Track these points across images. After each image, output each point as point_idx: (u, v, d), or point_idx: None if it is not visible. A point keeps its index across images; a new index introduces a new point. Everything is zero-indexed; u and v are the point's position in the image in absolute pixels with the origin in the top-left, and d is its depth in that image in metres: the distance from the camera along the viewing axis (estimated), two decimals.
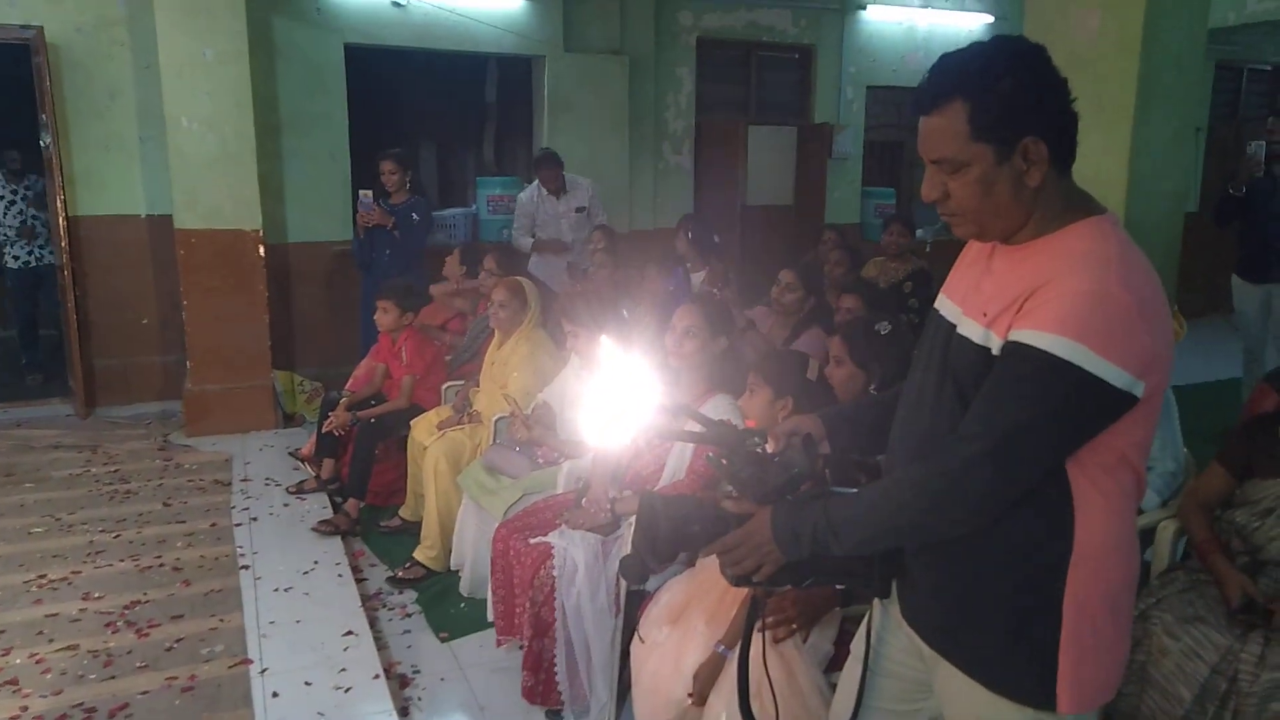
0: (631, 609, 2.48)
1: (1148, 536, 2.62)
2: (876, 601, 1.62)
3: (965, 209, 1.32)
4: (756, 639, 2.03)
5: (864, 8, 7.31)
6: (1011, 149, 1.26)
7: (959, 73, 1.27)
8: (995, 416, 1.24)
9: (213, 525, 3.80)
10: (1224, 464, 2.49)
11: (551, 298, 4.30)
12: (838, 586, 2.00)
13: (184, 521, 3.84)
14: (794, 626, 2.03)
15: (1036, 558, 1.30)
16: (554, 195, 5.48)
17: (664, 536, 1.49)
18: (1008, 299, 1.28)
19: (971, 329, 1.34)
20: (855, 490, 1.43)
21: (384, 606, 3.28)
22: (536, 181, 5.51)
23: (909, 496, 1.31)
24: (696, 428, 1.60)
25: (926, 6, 7.54)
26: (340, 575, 3.37)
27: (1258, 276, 4.60)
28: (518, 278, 3.71)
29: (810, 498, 1.47)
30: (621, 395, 1.48)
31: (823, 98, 7.47)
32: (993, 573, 1.33)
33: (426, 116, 8.56)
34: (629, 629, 2.41)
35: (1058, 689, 1.30)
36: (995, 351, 1.27)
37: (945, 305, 1.45)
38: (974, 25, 7.68)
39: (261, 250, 4.98)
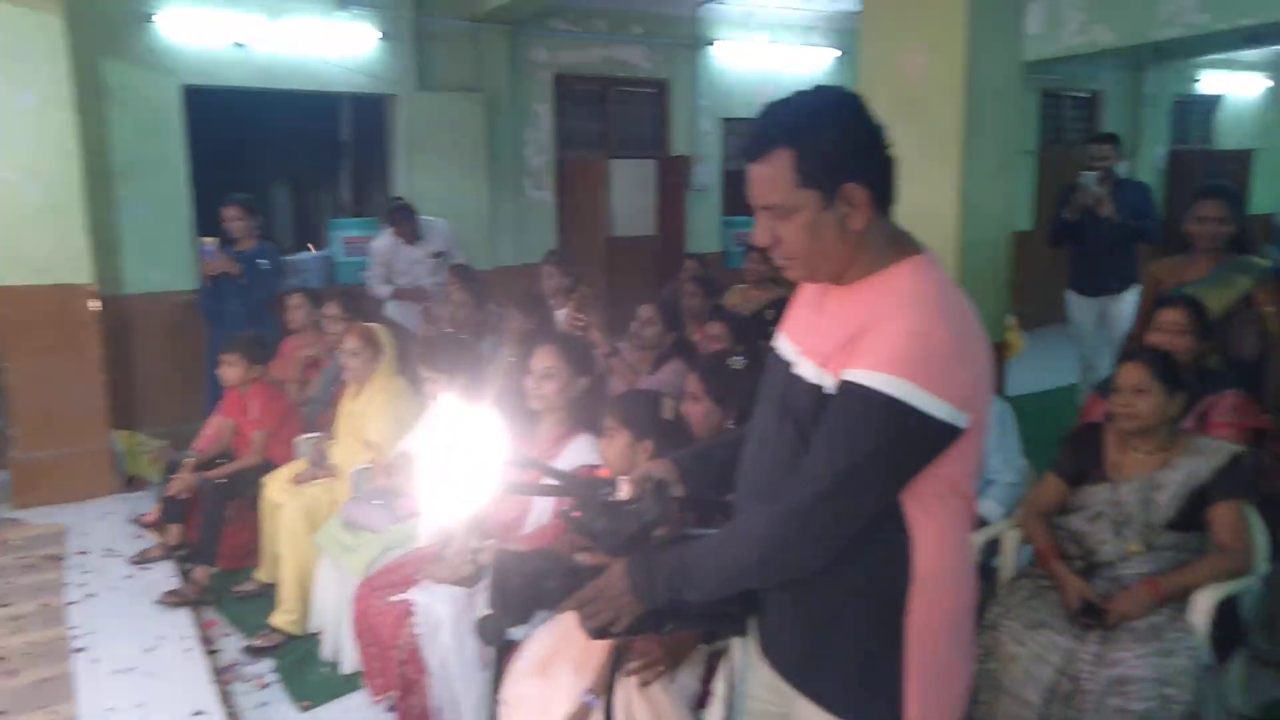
0: (502, 660, 2.42)
1: (994, 547, 2.74)
2: (737, 640, 1.63)
3: (795, 253, 1.36)
4: (623, 684, 2.02)
5: (711, 44, 7.52)
6: (835, 195, 1.30)
7: (785, 122, 1.32)
8: (833, 455, 1.27)
9: (43, 606, 3.49)
10: (1057, 473, 2.63)
11: (410, 343, 4.19)
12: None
13: (9, 605, 3.51)
14: (660, 669, 2.01)
15: (879, 588, 1.34)
16: (409, 243, 5.38)
17: (517, 595, 1.46)
18: (839, 339, 1.32)
19: (806, 368, 1.37)
20: (708, 534, 1.43)
21: (239, 679, 3.09)
22: (391, 230, 5.40)
23: (755, 539, 1.33)
24: (549, 480, 1.58)
25: (775, 42, 7.82)
26: (188, 650, 3.15)
27: (1091, 291, 4.91)
28: (370, 324, 3.59)
29: (664, 545, 1.46)
30: (462, 457, 1.44)
31: (679, 131, 7.63)
32: (839, 605, 1.36)
33: (279, 157, 8.28)
34: (500, 681, 2.35)
35: (905, 714, 1.33)
36: (829, 390, 1.30)
37: (783, 344, 1.48)
38: (823, 61, 8.01)
39: (94, 305, 4.67)
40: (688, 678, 2.05)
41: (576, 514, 1.52)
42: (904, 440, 1.25)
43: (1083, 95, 9.81)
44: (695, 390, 2.36)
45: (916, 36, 3.05)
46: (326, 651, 3.14)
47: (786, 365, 1.43)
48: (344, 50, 5.87)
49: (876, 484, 1.27)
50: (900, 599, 1.32)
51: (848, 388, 1.27)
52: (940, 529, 1.32)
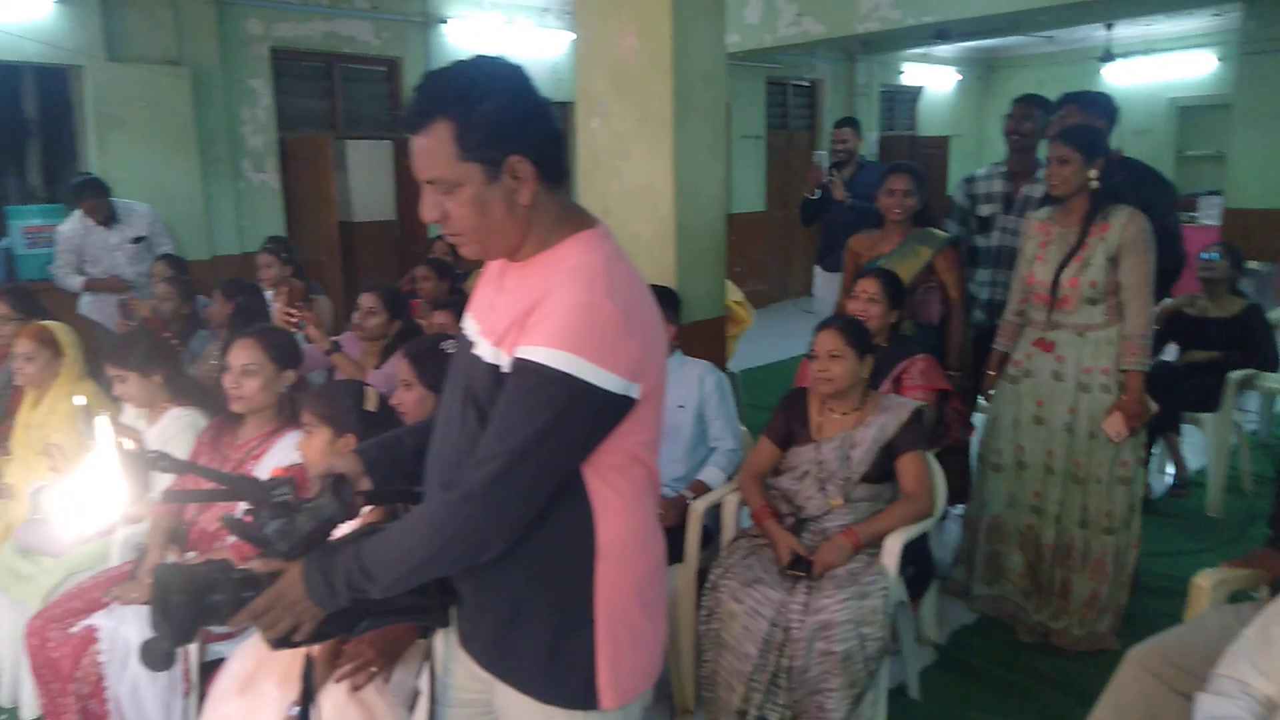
0: (205, 682, 2.22)
1: (717, 511, 2.86)
2: (440, 632, 1.57)
3: (464, 229, 1.32)
4: (335, 690, 1.91)
5: (445, 22, 7.32)
6: (499, 168, 1.27)
7: (443, 94, 1.26)
8: (507, 435, 1.24)
9: None
10: (770, 436, 2.79)
11: (109, 342, 3.75)
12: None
13: None
14: (373, 670, 1.92)
15: (564, 564, 1.33)
16: (103, 226, 4.81)
17: (179, 612, 1.32)
18: (513, 316, 1.30)
19: (484, 347, 1.34)
20: (387, 528, 1.37)
21: None
22: (80, 212, 4.80)
23: (433, 527, 1.28)
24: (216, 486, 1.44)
25: (510, 23, 7.74)
26: None
27: (832, 266, 5.21)
28: (46, 323, 3.17)
29: (342, 542, 1.38)
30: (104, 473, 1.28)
31: None
32: (527, 585, 1.34)
33: None
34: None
35: (599, 687, 1.34)
36: (505, 369, 1.28)
37: (468, 324, 1.43)
38: (558, 42, 8.03)
39: None
40: (405, 675, 1.97)
41: (248, 518, 1.40)
42: (576, 414, 1.24)
43: (804, 84, 10.51)
44: (407, 376, 2.26)
45: (625, 18, 3.09)
46: (3, 696, 2.76)
47: (469, 346, 1.39)
48: (19, 15, 5.15)
49: (552, 460, 1.26)
50: (586, 572, 1.32)
51: (518, 364, 1.25)
52: (622, 498, 1.33)
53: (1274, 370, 4.21)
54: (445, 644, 1.54)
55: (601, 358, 1.23)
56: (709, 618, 2.48)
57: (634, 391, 1.27)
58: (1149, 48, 10.76)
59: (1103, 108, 3.36)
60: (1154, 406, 2.97)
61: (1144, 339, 2.90)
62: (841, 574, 2.44)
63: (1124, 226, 2.88)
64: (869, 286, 3.11)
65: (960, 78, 12.30)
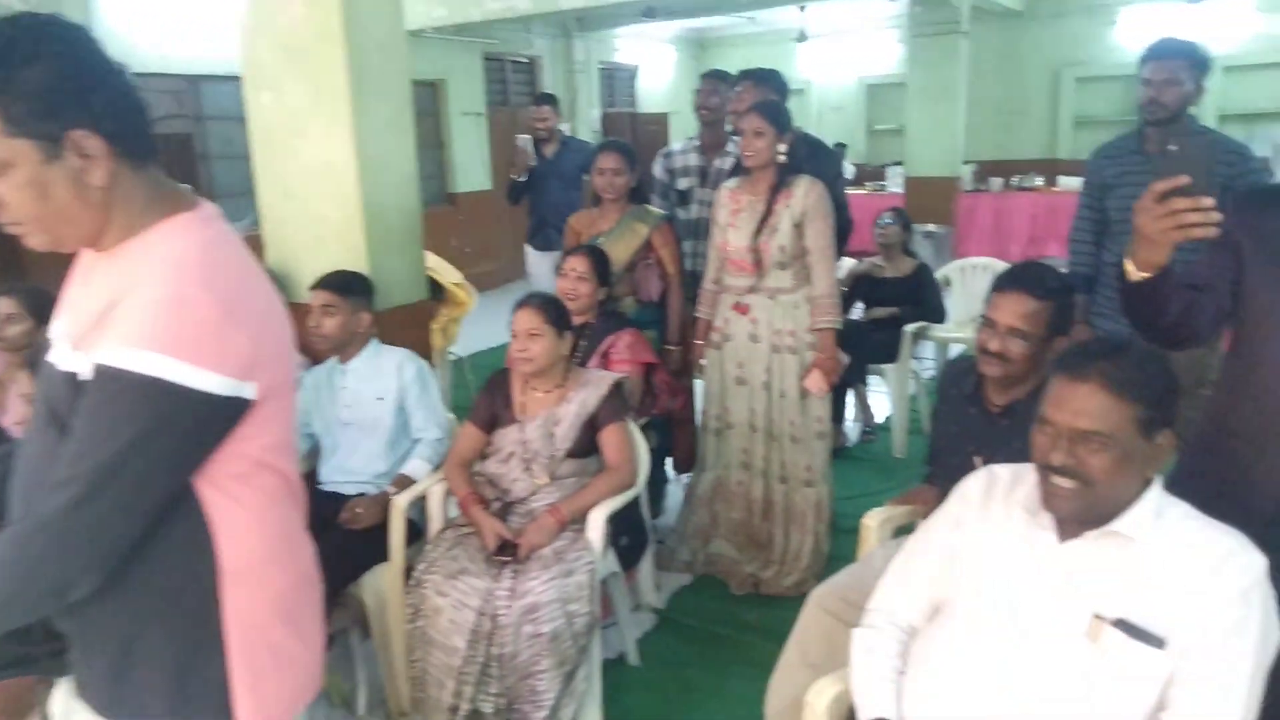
0: None
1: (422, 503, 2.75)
2: (60, 683, 1.37)
3: (25, 216, 1.12)
4: None
5: None
6: (59, 144, 1.08)
7: None
8: (86, 454, 1.07)
9: None
10: (474, 421, 2.71)
11: None
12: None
13: None
14: None
15: (183, 590, 1.18)
16: None
17: None
18: (93, 315, 1.12)
19: (62, 352, 1.15)
20: None
21: None
22: None
23: (9, 562, 1.08)
24: None
25: None
26: None
27: (543, 245, 5.20)
28: None
29: None
30: None
31: None
32: (140, 619, 1.18)
33: None
34: None
35: (237, 717, 1.21)
36: (85, 377, 1.10)
37: (54, 327, 1.23)
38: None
39: None
40: None
41: None
42: (172, 423, 1.09)
43: (523, 60, 10.44)
44: (26, 390, 1.96)
45: None
46: None
47: (49, 351, 1.20)
48: None
49: (145, 478, 1.10)
50: (210, 596, 1.18)
51: (98, 371, 1.08)
52: (248, 511, 1.20)
53: (942, 321, 4.71)
54: (64, 695, 1.34)
55: (198, 356, 1.08)
56: (415, 616, 2.38)
57: (247, 391, 1.14)
58: (838, 30, 11.69)
59: (776, 84, 3.56)
60: (845, 360, 3.20)
61: (832, 299, 3.11)
62: (547, 554, 2.42)
63: (805, 194, 3.06)
64: (577, 264, 3.11)
65: (676, 56, 12.76)
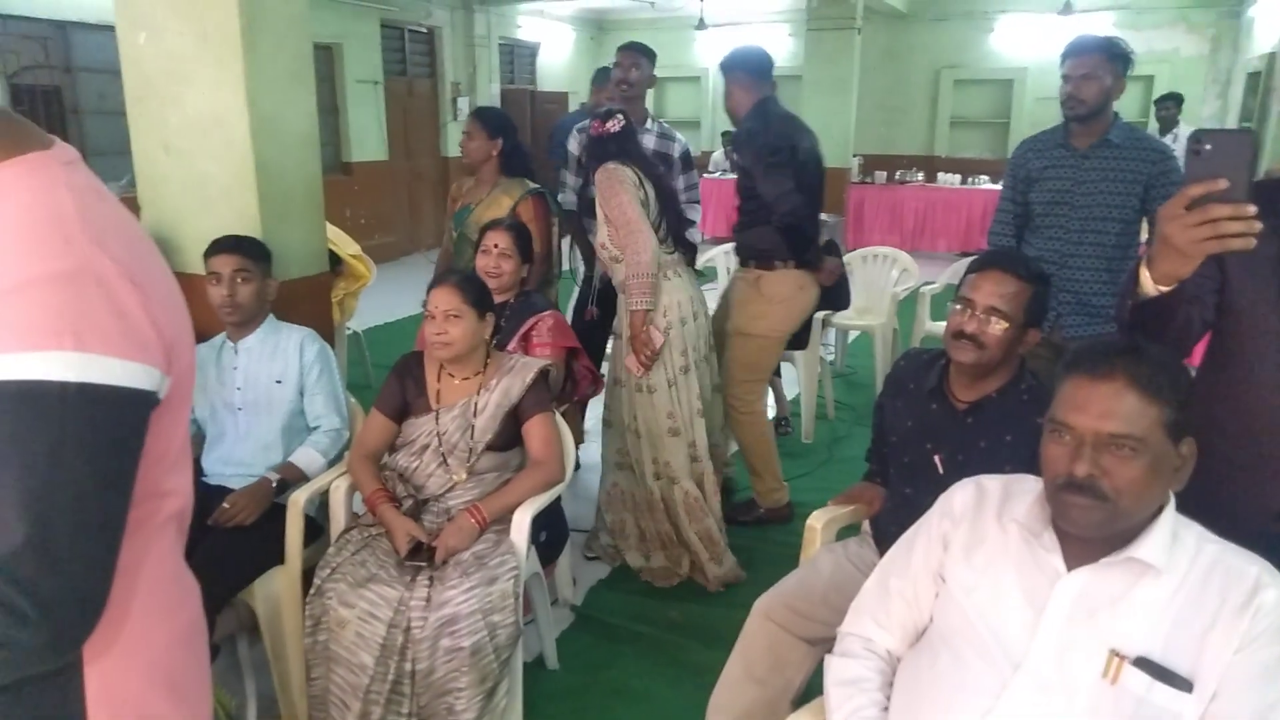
0: None
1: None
2: None
3: None
4: None
5: None
6: None
7: None
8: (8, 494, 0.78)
9: None
10: (382, 409, 2.45)
11: None
12: None
13: None
14: None
15: (29, 678, 0.87)
16: None
17: None
18: None
19: None
20: None
21: None
22: None
23: None
24: None
25: None
26: None
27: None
28: None
29: None
30: None
31: None
32: None
33: None
34: None
35: None
36: None
37: None
38: None
39: None
40: None
41: None
42: (104, 438, 0.83)
43: (422, 30, 9.98)
44: None
45: None
46: None
47: None
48: None
49: (95, 510, 0.83)
50: (68, 679, 0.89)
51: None
52: (124, 556, 0.88)
53: (846, 309, 4.67)
54: None
55: (122, 346, 0.83)
56: (315, 628, 2.12)
57: (165, 384, 0.89)
58: (734, 21, 11.67)
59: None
60: (658, 338, 3.08)
61: (637, 279, 2.93)
62: (467, 558, 2.19)
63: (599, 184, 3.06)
64: (499, 239, 2.86)
65: (575, 36, 12.49)
